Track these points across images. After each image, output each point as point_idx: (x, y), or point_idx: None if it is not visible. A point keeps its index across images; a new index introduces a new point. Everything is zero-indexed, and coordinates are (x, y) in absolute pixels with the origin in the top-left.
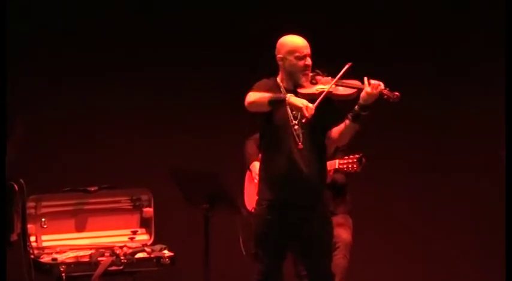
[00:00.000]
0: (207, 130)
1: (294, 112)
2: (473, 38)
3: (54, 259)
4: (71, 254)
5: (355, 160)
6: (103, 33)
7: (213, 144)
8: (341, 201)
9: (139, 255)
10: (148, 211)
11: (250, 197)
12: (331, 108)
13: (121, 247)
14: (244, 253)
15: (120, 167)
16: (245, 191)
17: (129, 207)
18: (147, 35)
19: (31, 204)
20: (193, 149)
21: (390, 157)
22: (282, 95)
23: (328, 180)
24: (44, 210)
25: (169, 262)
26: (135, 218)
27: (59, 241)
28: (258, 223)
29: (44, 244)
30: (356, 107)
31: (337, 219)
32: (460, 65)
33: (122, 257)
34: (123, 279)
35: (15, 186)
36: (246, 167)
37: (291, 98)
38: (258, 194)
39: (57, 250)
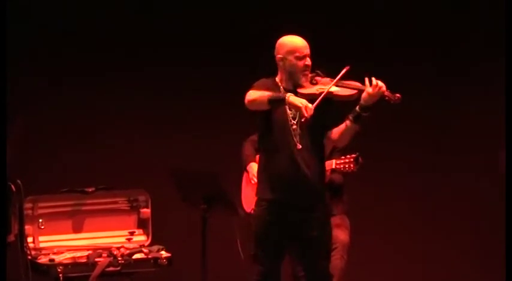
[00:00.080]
0: (205, 131)
1: (292, 112)
2: (473, 38)
3: (52, 260)
4: (68, 255)
5: (351, 160)
6: (103, 33)
7: (211, 145)
8: (338, 201)
9: (136, 256)
10: (146, 211)
11: (248, 199)
12: (331, 109)
13: (118, 248)
14: (241, 255)
15: (118, 168)
16: (242, 192)
17: (126, 208)
18: (147, 35)
19: (28, 205)
20: (192, 150)
21: (390, 157)
22: (281, 95)
23: (326, 180)
24: (41, 211)
25: (166, 262)
26: (133, 219)
27: (57, 242)
28: (257, 223)
29: (41, 245)
30: (357, 107)
31: (334, 220)
32: (460, 65)
33: (120, 258)
34: (121, 280)
35: (13, 187)
36: (243, 168)
37: (291, 97)
38: (257, 194)
39: (55, 250)
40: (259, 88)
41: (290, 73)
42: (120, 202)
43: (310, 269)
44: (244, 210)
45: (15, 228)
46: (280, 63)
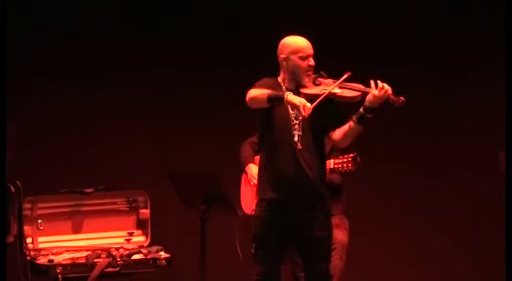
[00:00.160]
0: (204, 131)
1: (294, 112)
2: (473, 38)
3: (51, 261)
4: (67, 255)
5: (349, 159)
6: (103, 33)
7: (210, 145)
8: (337, 202)
9: (135, 256)
10: (145, 212)
11: (247, 200)
12: (332, 110)
13: (117, 249)
14: (240, 255)
15: (117, 169)
16: (241, 193)
17: (125, 209)
18: (147, 35)
19: (27, 205)
20: (190, 151)
21: (389, 157)
22: (280, 93)
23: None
24: (40, 212)
25: (165, 263)
26: (132, 219)
27: (55, 243)
28: (258, 223)
29: (40, 246)
30: (361, 109)
31: (333, 220)
32: (460, 65)
33: (118, 259)
34: None
35: (12, 187)
36: (241, 169)
37: (289, 96)
38: (258, 194)
39: (54, 251)
40: (260, 87)
41: (293, 73)
42: (119, 202)
43: (311, 270)
44: (243, 211)
45: (14, 229)
46: (284, 63)
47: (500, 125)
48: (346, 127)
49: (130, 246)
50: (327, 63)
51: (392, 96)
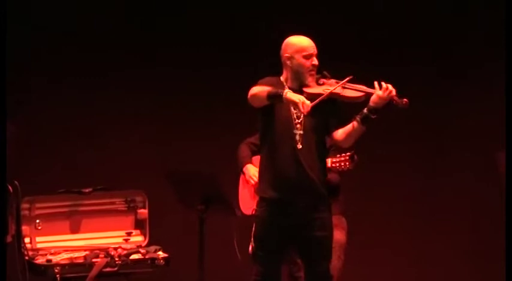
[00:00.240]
0: (203, 132)
1: (296, 111)
2: (473, 38)
3: (49, 261)
4: (66, 255)
5: (347, 158)
6: (103, 34)
7: (209, 145)
8: (335, 201)
9: (133, 256)
10: (143, 212)
11: (245, 200)
12: (335, 110)
13: (115, 249)
14: (239, 255)
15: (115, 168)
16: (239, 193)
17: (123, 208)
18: (147, 35)
19: (25, 205)
20: (190, 151)
21: (389, 157)
22: (280, 90)
23: None
24: (38, 211)
25: (163, 263)
26: (130, 219)
27: (54, 243)
28: (258, 223)
29: (39, 246)
30: (365, 109)
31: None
32: (460, 65)
33: (117, 259)
34: (118, 280)
35: (10, 187)
36: (239, 170)
37: (288, 93)
38: (259, 193)
39: (52, 251)
40: (263, 84)
41: (297, 72)
42: (117, 202)
43: (311, 270)
44: (241, 212)
45: (12, 229)
46: (287, 62)
47: (500, 125)
48: (349, 127)
49: (128, 246)
50: (327, 63)
51: (396, 98)
